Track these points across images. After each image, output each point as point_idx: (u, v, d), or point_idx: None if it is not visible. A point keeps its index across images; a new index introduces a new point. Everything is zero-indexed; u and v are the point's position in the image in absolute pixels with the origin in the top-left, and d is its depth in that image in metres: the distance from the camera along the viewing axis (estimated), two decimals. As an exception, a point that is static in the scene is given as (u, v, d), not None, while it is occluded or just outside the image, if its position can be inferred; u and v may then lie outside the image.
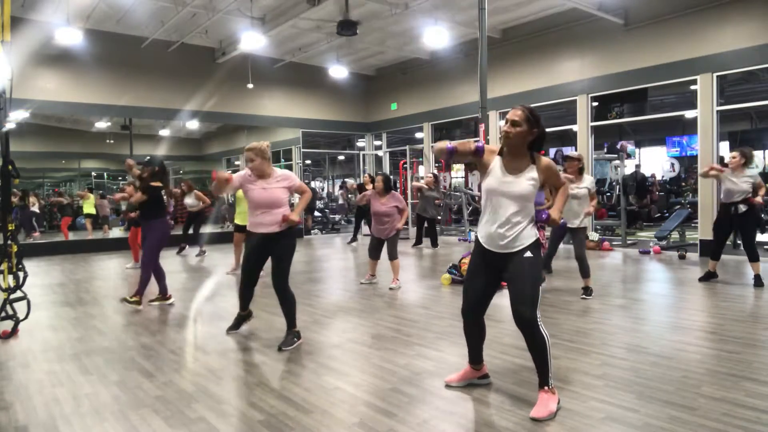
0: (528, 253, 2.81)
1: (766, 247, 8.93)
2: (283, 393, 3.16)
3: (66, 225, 13.09)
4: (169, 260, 9.54)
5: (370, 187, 8.31)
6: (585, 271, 5.71)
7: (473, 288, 3.01)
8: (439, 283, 6.76)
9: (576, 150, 10.73)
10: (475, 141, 3.00)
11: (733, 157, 6.02)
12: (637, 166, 15.51)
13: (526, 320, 2.75)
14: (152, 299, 5.83)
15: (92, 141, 16.37)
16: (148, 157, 5.80)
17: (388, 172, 15.62)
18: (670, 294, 6.12)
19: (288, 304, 4.20)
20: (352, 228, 13.67)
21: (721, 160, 9.51)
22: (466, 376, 3.20)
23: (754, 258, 6.08)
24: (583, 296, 5.63)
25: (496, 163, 2.89)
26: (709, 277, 6.38)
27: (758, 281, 6.01)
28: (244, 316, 4.60)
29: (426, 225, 11.10)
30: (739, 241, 8.03)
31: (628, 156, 11.20)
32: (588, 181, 5.82)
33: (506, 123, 2.85)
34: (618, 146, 10.96)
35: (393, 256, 6.54)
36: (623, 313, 5.01)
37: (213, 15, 10.16)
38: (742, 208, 6.00)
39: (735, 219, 6.09)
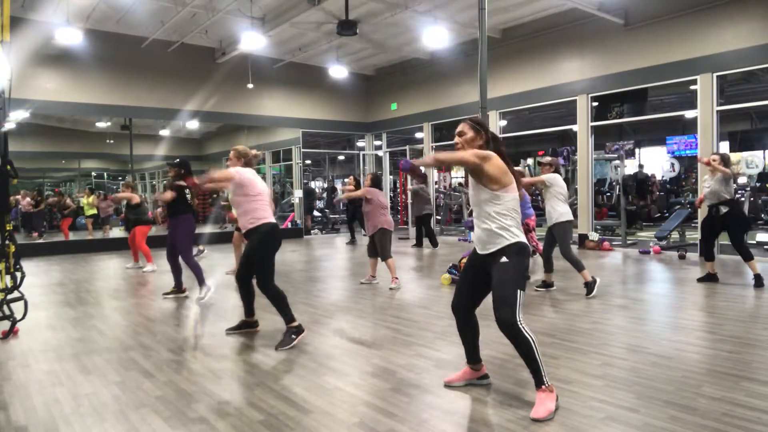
0: (504, 258, 2.85)
1: (766, 247, 8.94)
2: (283, 393, 3.16)
3: (66, 225, 13.09)
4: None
5: (352, 187, 8.39)
6: (576, 266, 5.75)
7: (464, 286, 3.13)
8: (439, 283, 6.76)
9: (576, 150, 10.76)
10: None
11: (714, 160, 6.09)
12: (641, 166, 15.50)
13: (506, 324, 2.79)
14: (167, 292, 6.16)
15: (92, 141, 16.39)
16: (177, 159, 6.13)
17: (387, 173, 15.62)
18: (670, 294, 6.12)
19: (276, 302, 4.20)
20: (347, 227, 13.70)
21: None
22: (466, 376, 3.21)
23: (747, 257, 6.09)
24: (588, 295, 5.63)
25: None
26: (708, 278, 6.38)
27: (758, 281, 6.00)
28: (248, 322, 4.57)
29: (423, 225, 11.09)
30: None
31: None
32: (549, 178, 5.88)
33: (455, 137, 3.07)
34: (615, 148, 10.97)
35: (385, 255, 6.55)
36: (623, 313, 5.01)
37: (213, 15, 10.16)
38: (723, 209, 6.05)
39: (717, 220, 6.13)
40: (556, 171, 6.05)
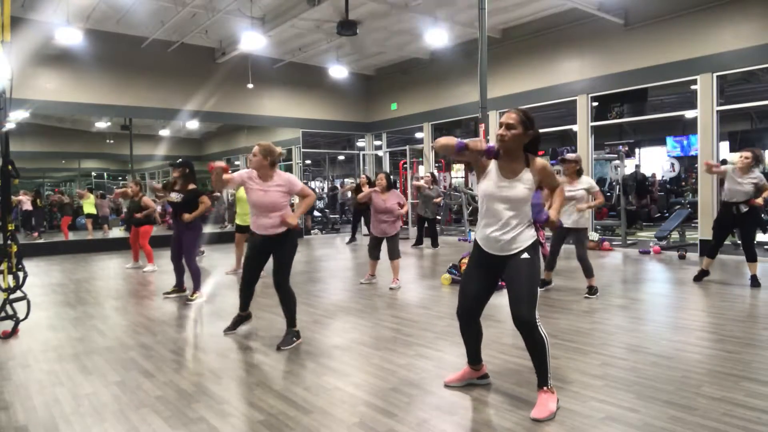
0: (525, 255, 2.81)
1: (766, 247, 8.94)
2: (283, 393, 3.16)
3: (66, 225, 13.10)
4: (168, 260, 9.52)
5: (366, 188, 8.34)
6: (588, 272, 5.71)
7: (469, 291, 3.02)
8: (439, 283, 6.76)
9: (576, 150, 10.76)
10: (487, 142, 2.96)
11: (746, 158, 5.86)
12: (637, 166, 15.50)
13: (524, 321, 2.76)
14: (167, 292, 6.19)
15: (92, 141, 16.39)
16: (180, 160, 6.12)
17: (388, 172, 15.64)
18: (670, 294, 6.12)
19: (288, 303, 4.21)
20: (348, 227, 13.67)
21: (723, 162, 9.51)
22: (466, 376, 3.20)
23: (752, 258, 6.07)
24: (587, 295, 5.63)
25: (492, 167, 2.90)
26: (702, 275, 6.37)
27: (754, 282, 6.01)
28: (243, 316, 4.59)
29: (426, 225, 11.09)
30: (738, 242, 8.03)
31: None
32: (585, 182, 5.84)
33: (501, 126, 2.84)
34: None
35: (394, 255, 6.53)
36: (623, 313, 5.01)
37: (213, 15, 10.16)
38: (744, 208, 5.97)
39: (736, 219, 6.08)
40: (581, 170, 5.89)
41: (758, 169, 6.01)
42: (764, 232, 6.45)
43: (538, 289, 2.82)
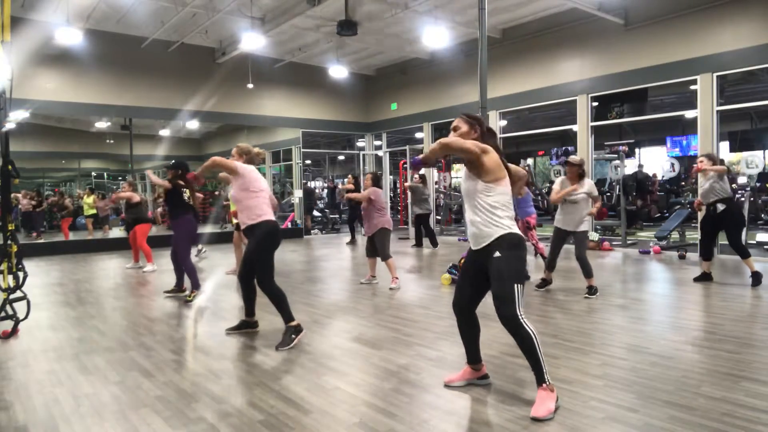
0: (497, 253, 2.87)
1: (766, 247, 8.95)
2: (283, 393, 3.16)
3: (66, 225, 13.10)
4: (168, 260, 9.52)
5: (351, 186, 8.42)
6: (587, 272, 5.73)
7: (463, 284, 3.13)
8: (439, 283, 6.76)
9: (576, 150, 10.76)
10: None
11: (701, 162, 6.15)
12: (640, 166, 15.50)
13: (506, 319, 2.81)
14: (168, 290, 6.26)
15: (92, 141, 16.39)
16: (173, 161, 6.25)
17: (387, 173, 15.62)
18: (669, 294, 6.12)
19: (275, 301, 4.20)
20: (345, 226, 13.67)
21: (721, 162, 9.52)
22: (466, 376, 3.21)
23: (744, 255, 6.11)
24: (587, 295, 5.64)
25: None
26: (704, 278, 6.40)
27: (755, 280, 6.02)
28: (248, 323, 4.57)
29: (422, 225, 11.07)
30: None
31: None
32: (587, 185, 5.84)
33: (450, 133, 3.09)
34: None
35: (384, 256, 6.52)
36: (623, 313, 5.01)
37: (213, 15, 10.16)
38: (720, 207, 6.08)
39: (716, 218, 6.17)
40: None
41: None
42: (742, 230, 6.53)
43: (520, 288, 2.83)
